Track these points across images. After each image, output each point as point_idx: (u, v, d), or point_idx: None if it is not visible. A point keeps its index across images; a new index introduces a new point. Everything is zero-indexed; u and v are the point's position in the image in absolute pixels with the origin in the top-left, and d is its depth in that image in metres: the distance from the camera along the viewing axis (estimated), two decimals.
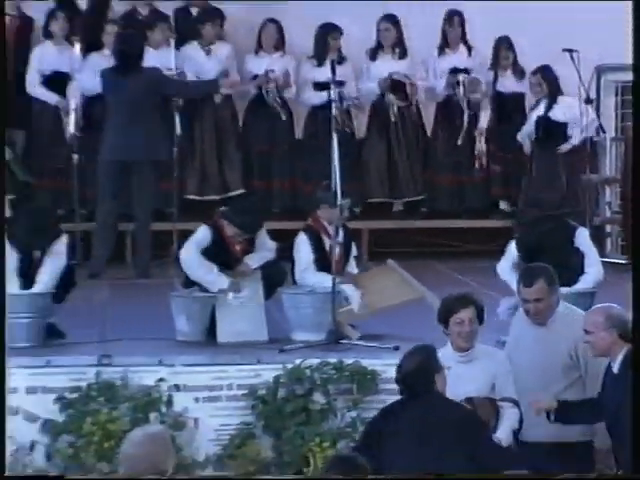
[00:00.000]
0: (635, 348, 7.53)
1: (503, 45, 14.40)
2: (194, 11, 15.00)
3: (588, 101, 14.46)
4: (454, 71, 14.72)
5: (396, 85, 14.66)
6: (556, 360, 9.04)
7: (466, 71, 14.70)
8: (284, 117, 14.77)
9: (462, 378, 8.72)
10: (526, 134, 14.28)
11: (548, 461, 7.93)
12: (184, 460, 9.47)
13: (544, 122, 13.97)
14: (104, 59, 14.32)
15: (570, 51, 13.94)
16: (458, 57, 14.75)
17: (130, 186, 13.56)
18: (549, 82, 14.14)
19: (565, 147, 14.21)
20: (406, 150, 14.81)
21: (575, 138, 14.24)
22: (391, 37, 14.66)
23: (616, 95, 15.29)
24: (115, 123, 13.53)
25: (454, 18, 14.59)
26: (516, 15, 14.91)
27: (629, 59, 13.95)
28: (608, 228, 14.78)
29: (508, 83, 14.68)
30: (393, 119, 14.72)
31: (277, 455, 9.93)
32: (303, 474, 9.69)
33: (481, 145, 14.57)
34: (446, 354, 8.90)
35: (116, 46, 13.92)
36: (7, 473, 7.84)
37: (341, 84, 14.20)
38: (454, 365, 8.81)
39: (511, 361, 9.07)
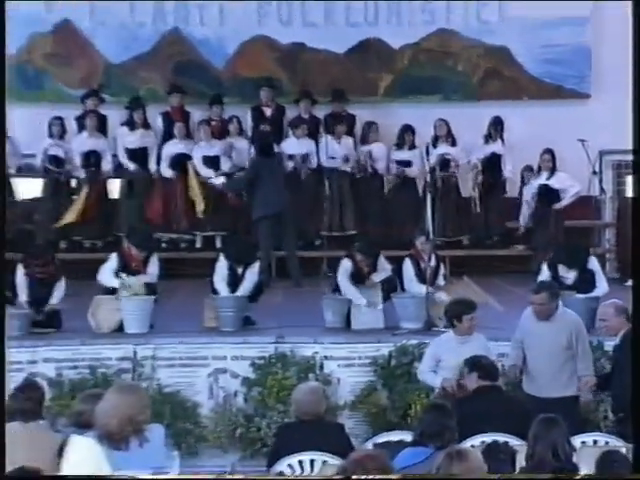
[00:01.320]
0: (635, 351, 7.16)
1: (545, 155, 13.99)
2: (338, 114, 14.78)
3: (594, 173, 14.43)
4: (493, 156, 14.41)
5: (444, 162, 14.35)
6: (557, 344, 8.95)
7: (499, 156, 14.40)
8: (376, 182, 14.56)
9: (460, 353, 8.79)
10: (530, 194, 14.04)
11: (555, 409, 7.92)
12: (330, 404, 9.34)
13: (544, 187, 13.82)
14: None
15: (582, 140, 13.96)
16: (496, 146, 14.39)
17: (281, 227, 13.35)
18: (554, 159, 13.88)
19: (559, 205, 13.93)
20: (447, 205, 14.40)
21: (565, 201, 13.96)
22: (443, 130, 14.32)
23: (613, 169, 15.09)
24: (265, 189, 13.22)
25: (497, 123, 14.33)
26: (542, 115, 14.80)
27: (621, 146, 14.02)
28: (607, 255, 14.51)
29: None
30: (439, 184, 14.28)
31: (391, 402, 9.91)
32: (408, 415, 9.63)
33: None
34: (449, 337, 9.18)
35: (261, 141, 13.75)
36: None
37: (409, 164, 14.35)
38: (455, 345, 9.02)
39: (526, 346, 9.06)
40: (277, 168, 13.51)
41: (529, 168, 14.21)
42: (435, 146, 14.39)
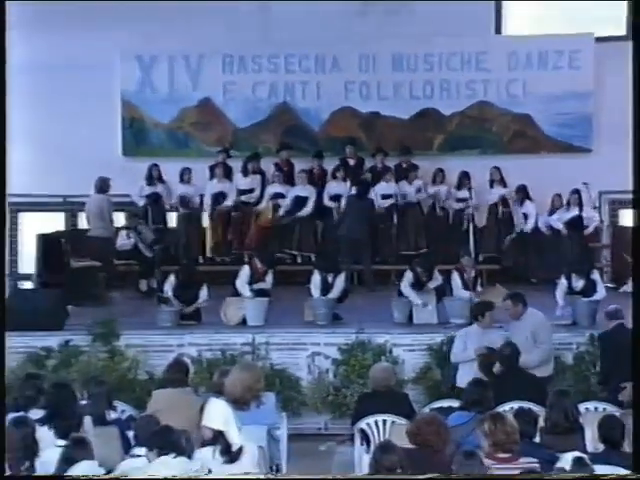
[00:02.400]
0: (635, 356, 6.71)
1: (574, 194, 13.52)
2: (404, 164, 14.61)
3: (594, 208, 14.07)
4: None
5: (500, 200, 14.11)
6: (523, 336, 8.84)
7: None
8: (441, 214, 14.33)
9: (481, 340, 8.85)
10: (561, 223, 13.51)
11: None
12: (398, 379, 9.19)
13: (577, 218, 13.43)
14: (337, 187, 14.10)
15: (586, 183, 13.61)
16: (526, 207, 13.82)
17: (357, 248, 13.16)
18: (580, 197, 13.48)
19: (587, 231, 13.56)
20: (506, 229, 14.02)
21: (590, 227, 13.60)
22: (497, 175, 14.08)
23: (609, 205, 14.77)
24: (352, 218, 13.08)
25: (522, 189, 13.85)
26: (556, 164, 14.48)
27: (614, 187, 13.77)
28: (605, 269, 14.08)
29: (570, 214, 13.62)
30: (500, 216, 14.07)
31: (442, 378, 9.75)
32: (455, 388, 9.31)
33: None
34: (474, 328, 9.14)
35: (360, 185, 13.45)
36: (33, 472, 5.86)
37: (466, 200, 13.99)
38: (478, 334, 8.99)
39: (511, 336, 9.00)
40: (366, 207, 13.26)
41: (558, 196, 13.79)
42: (492, 187, 14.13)
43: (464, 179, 14.11)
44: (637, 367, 6.35)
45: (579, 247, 13.19)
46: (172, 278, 10.92)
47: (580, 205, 13.48)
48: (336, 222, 13.61)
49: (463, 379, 8.83)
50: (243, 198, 14.14)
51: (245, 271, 11.01)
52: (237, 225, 14.21)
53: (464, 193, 14.05)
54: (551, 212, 13.68)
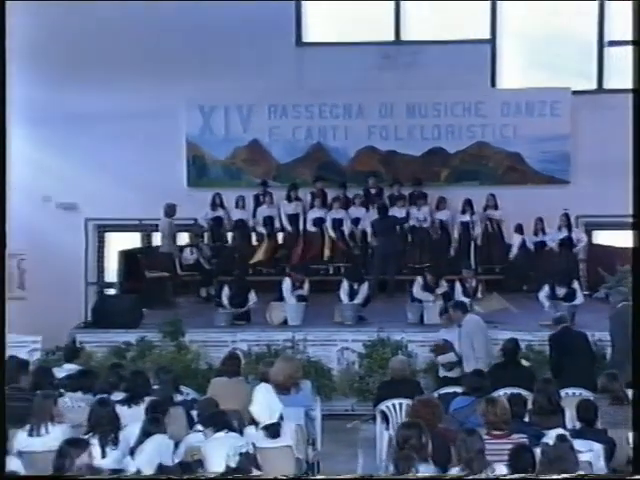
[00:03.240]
0: (635, 359, 6.19)
1: (563, 217, 13.16)
2: (416, 193, 14.53)
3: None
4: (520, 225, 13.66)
5: (492, 220, 13.92)
6: (464, 338, 8.80)
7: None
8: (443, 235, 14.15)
9: (440, 335, 8.97)
10: (554, 242, 13.21)
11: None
12: (412, 369, 9.08)
13: (567, 238, 13.17)
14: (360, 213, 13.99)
15: (565, 209, 13.38)
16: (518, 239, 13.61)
17: (386, 261, 12.98)
18: (569, 219, 13.19)
19: (577, 248, 13.30)
20: (496, 245, 13.93)
21: (579, 246, 13.32)
22: (492, 201, 13.90)
23: (585, 227, 14.52)
24: (381, 237, 12.98)
25: (519, 227, 13.56)
26: (541, 193, 14.35)
27: (590, 212, 13.56)
28: (582, 279, 13.71)
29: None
30: (490, 230, 13.95)
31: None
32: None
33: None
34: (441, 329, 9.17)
35: (381, 208, 13.18)
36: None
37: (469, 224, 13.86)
38: (443, 333, 9.13)
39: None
40: (389, 224, 13.10)
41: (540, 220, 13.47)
42: (485, 210, 13.99)
43: (467, 205, 14.01)
44: (637, 367, 5.92)
45: (565, 261, 13.01)
46: (226, 288, 10.97)
47: (569, 226, 13.27)
48: (362, 242, 13.56)
49: (443, 371, 9.13)
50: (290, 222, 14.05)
51: (287, 282, 11.01)
52: (283, 243, 14.19)
53: (466, 217, 14.00)
54: (535, 233, 13.49)
